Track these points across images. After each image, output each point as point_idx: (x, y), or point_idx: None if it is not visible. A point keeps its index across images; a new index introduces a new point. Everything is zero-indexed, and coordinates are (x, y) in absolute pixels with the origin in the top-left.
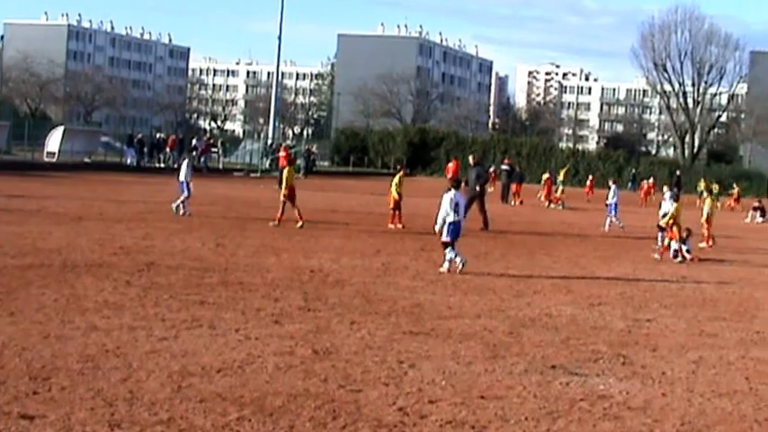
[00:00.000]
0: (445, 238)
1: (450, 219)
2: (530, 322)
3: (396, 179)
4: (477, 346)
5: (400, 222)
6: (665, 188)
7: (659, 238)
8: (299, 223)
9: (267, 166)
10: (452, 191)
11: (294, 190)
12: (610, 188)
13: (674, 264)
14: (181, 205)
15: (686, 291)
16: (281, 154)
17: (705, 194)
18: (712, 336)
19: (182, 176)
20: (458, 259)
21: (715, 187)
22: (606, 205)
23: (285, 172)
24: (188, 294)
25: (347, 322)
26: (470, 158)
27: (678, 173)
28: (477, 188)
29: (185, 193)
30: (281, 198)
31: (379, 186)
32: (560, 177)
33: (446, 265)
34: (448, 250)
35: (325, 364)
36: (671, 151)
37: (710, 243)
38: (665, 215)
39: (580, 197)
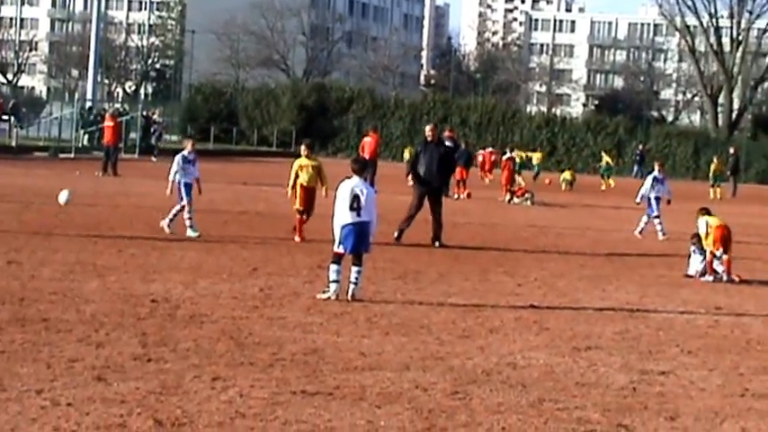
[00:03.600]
0: (337, 248)
1: (348, 220)
2: (484, 377)
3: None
4: (405, 414)
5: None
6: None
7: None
8: None
9: (85, 141)
10: (354, 178)
11: None
12: (649, 173)
13: (703, 287)
14: (186, 219)
15: (721, 328)
16: (108, 124)
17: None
18: (762, 397)
19: (173, 175)
20: (331, 286)
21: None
22: (640, 202)
23: None
24: None
25: (208, 378)
26: (428, 130)
27: (732, 150)
28: (435, 179)
29: (184, 200)
30: None
31: (255, 171)
32: (535, 160)
33: (332, 287)
34: (333, 267)
35: None
36: (697, 117)
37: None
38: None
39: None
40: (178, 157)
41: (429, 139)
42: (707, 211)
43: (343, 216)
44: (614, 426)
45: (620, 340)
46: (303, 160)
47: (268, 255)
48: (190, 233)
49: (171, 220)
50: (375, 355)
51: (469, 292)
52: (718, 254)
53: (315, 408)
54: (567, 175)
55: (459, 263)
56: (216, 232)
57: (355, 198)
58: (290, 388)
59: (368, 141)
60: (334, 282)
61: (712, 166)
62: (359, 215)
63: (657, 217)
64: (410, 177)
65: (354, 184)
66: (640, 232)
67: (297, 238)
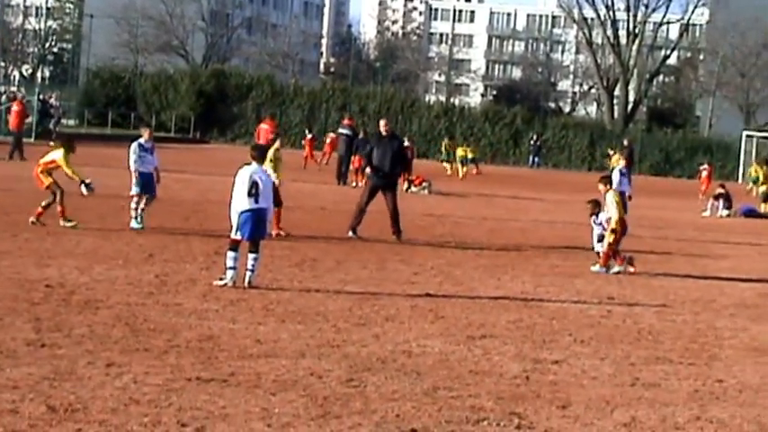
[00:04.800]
0: (234, 234)
1: (246, 206)
2: (378, 364)
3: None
4: (300, 401)
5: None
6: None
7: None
8: (33, 219)
9: None
10: (253, 164)
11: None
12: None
13: (597, 278)
14: (139, 210)
15: (614, 318)
16: (15, 109)
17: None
18: (652, 386)
19: (133, 164)
20: (228, 273)
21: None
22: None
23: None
24: None
25: (102, 364)
26: (382, 125)
27: (626, 142)
28: (383, 173)
29: (137, 189)
30: (49, 182)
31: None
32: (470, 154)
33: (229, 274)
34: (230, 254)
35: (67, 427)
36: (593, 109)
37: None
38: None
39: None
40: (134, 145)
41: (384, 133)
42: (610, 181)
43: (241, 202)
44: (507, 414)
45: (515, 329)
46: (275, 152)
47: (164, 241)
48: (134, 224)
49: (136, 217)
50: (271, 343)
51: (366, 280)
52: (618, 248)
53: (209, 394)
54: (461, 152)
55: (356, 251)
56: (112, 218)
57: (254, 185)
58: (184, 375)
59: (264, 128)
60: (230, 269)
61: (615, 157)
62: (257, 202)
63: None
64: (368, 169)
65: (253, 170)
66: None
67: (273, 232)
